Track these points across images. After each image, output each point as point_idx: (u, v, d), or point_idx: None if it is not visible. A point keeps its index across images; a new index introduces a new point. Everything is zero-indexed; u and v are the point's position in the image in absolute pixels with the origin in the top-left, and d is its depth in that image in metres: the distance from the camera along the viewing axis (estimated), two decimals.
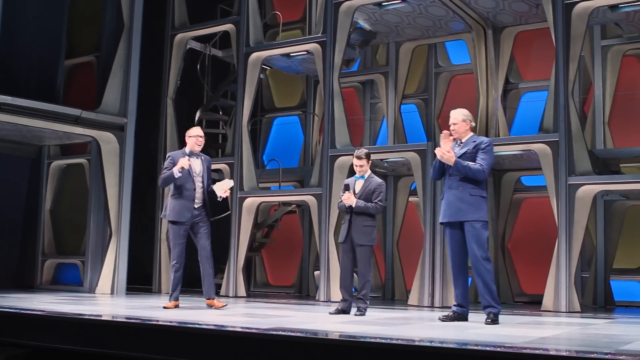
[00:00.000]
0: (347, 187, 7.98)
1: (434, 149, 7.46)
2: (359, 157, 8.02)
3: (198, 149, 8.75)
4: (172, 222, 8.60)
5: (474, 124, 7.36)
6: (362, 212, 7.83)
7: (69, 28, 13.78)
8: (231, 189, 9.30)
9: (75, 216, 13.41)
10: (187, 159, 8.53)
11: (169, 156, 8.78)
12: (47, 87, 12.93)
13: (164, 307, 8.41)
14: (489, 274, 7.01)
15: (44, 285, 13.45)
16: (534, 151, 10.56)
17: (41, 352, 6.12)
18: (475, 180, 7.09)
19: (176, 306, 8.49)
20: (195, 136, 8.75)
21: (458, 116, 7.28)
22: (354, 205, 7.82)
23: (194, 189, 8.58)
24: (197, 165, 8.68)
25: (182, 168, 8.47)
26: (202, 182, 8.69)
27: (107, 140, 12.46)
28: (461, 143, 7.24)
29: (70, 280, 13.39)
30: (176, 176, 8.49)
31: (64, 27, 13.51)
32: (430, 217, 10.89)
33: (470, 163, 7.06)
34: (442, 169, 7.24)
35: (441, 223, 7.37)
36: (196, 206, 8.58)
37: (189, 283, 10.84)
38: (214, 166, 13.71)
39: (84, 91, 13.72)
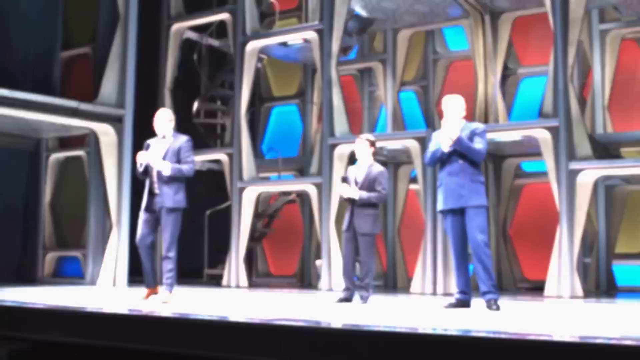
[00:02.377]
0: (344, 180, 7.97)
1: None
2: (359, 137, 8.15)
3: (159, 132, 7.93)
4: None
5: (465, 113, 7.32)
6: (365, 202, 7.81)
7: (65, 19, 13.73)
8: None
9: (75, 209, 13.38)
10: (142, 152, 7.81)
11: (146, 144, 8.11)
12: (44, 79, 12.88)
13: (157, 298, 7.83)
14: (490, 260, 7.00)
15: (46, 279, 13.43)
16: (533, 137, 10.53)
17: (44, 346, 6.10)
18: (474, 164, 7.06)
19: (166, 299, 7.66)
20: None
21: (458, 103, 7.25)
22: (357, 198, 7.79)
23: (152, 175, 7.73)
24: (158, 150, 7.80)
25: (140, 163, 7.79)
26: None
27: (105, 132, 12.43)
28: None
29: (72, 273, 13.37)
30: (139, 170, 7.84)
31: (60, 19, 13.45)
32: (431, 205, 10.86)
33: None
34: (442, 157, 7.17)
35: (441, 211, 7.33)
36: (156, 191, 7.70)
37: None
38: (214, 156, 13.66)
39: (81, 83, 13.67)
